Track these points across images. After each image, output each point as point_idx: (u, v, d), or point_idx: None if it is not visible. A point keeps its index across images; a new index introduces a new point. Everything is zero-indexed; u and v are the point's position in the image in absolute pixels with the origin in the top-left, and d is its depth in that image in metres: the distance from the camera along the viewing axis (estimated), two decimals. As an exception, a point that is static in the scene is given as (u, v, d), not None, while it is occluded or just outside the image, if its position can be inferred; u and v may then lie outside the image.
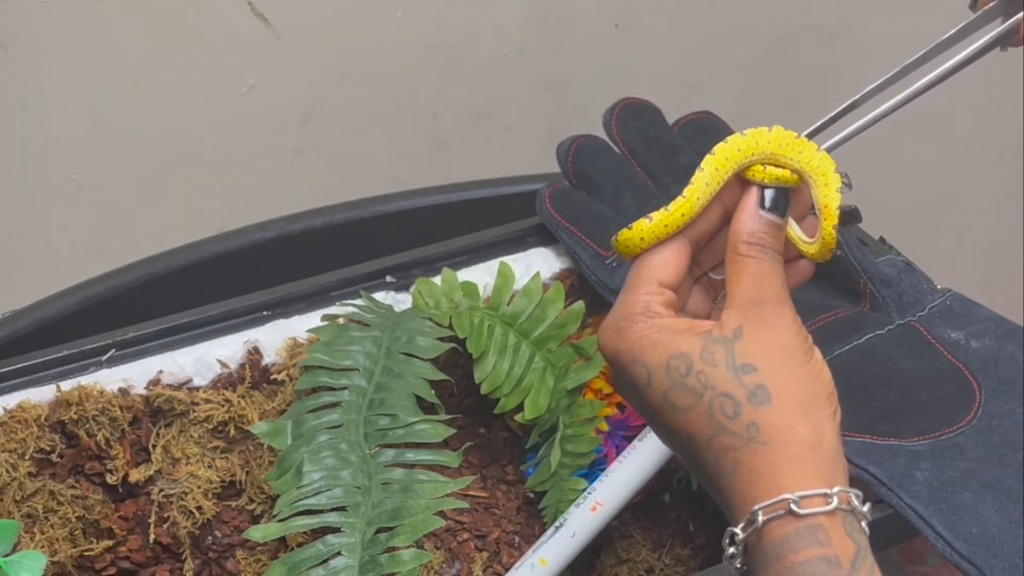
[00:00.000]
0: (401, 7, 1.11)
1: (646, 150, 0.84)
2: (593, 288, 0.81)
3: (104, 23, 1.00)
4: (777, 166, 0.60)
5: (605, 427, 0.80)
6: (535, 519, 0.80)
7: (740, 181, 0.60)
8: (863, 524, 0.55)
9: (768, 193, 0.59)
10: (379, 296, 0.80)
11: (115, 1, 0.99)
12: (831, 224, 0.58)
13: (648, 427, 0.79)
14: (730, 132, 0.86)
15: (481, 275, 0.82)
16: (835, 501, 0.53)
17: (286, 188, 1.14)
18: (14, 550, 0.69)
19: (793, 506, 0.53)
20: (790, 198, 0.60)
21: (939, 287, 0.79)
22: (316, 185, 1.13)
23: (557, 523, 0.77)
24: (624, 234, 0.59)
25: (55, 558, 0.72)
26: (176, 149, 1.07)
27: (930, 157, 1.53)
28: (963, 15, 0.66)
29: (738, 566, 0.55)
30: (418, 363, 0.73)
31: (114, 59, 1.01)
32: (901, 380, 0.73)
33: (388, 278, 0.82)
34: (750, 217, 0.59)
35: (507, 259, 0.83)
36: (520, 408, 0.77)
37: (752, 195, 0.59)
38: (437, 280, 0.80)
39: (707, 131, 0.86)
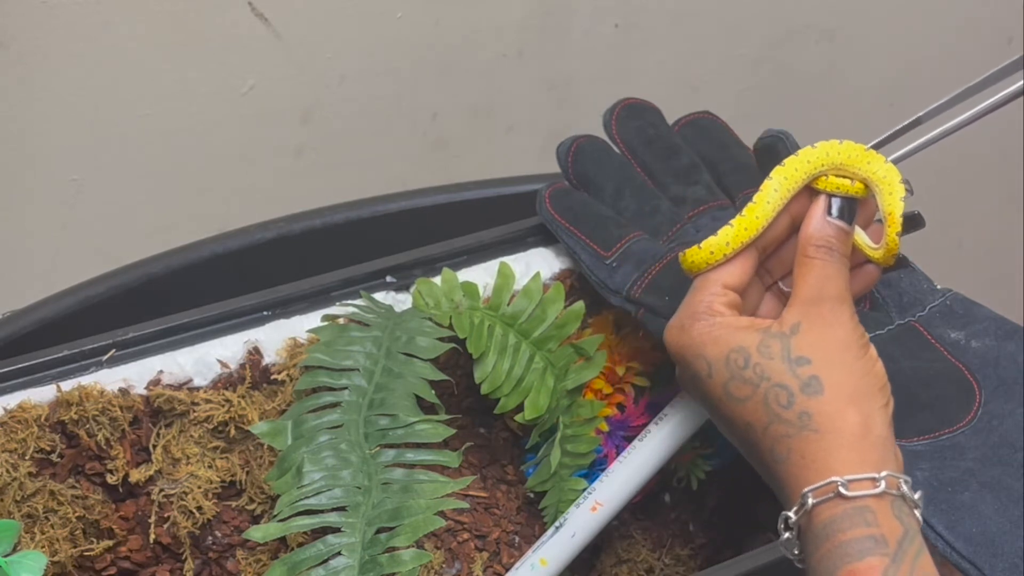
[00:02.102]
0: (401, 7, 1.11)
1: (646, 150, 0.84)
2: (593, 288, 0.81)
3: (104, 23, 1.00)
4: (845, 177, 0.64)
5: (605, 427, 0.80)
6: (535, 519, 0.81)
7: (809, 193, 0.65)
8: (915, 511, 0.58)
9: (835, 202, 0.64)
10: (379, 296, 0.80)
11: (115, 1, 0.99)
12: (895, 231, 0.63)
13: (648, 427, 0.79)
14: (730, 132, 0.87)
15: (481, 275, 0.82)
16: (883, 485, 0.56)
17: (286, 188, 1.14)
18: (14, 550, 0.69)
19: (841, 488, 0.56)
20: (856, 208, 0.64)
21: (939, 287, 0.79)
22: (316, 185, 1.13)
23: (557, 523, 0.77)
24: (711, 242, 0.63)
25: (55, 558, 0.72)
26: (176, 149, 1.07)
27: (930, 157, 1.53)
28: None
29: (796, 552, 0.58)
30: (418, 363, 0.73)
31: (114, 59, 1.01)
32: (901, 380, 0.73)
33: (388, 278, 0.82)
34: (818, 222, 0.63)
35: (507, 259, 0.83)
36: (520, 408, 0.77)
37: (820, 203, 0.64)
38: (437, 280, 0.80)
39: (707, 131, 0.86)
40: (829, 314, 0.61)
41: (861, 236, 0.66)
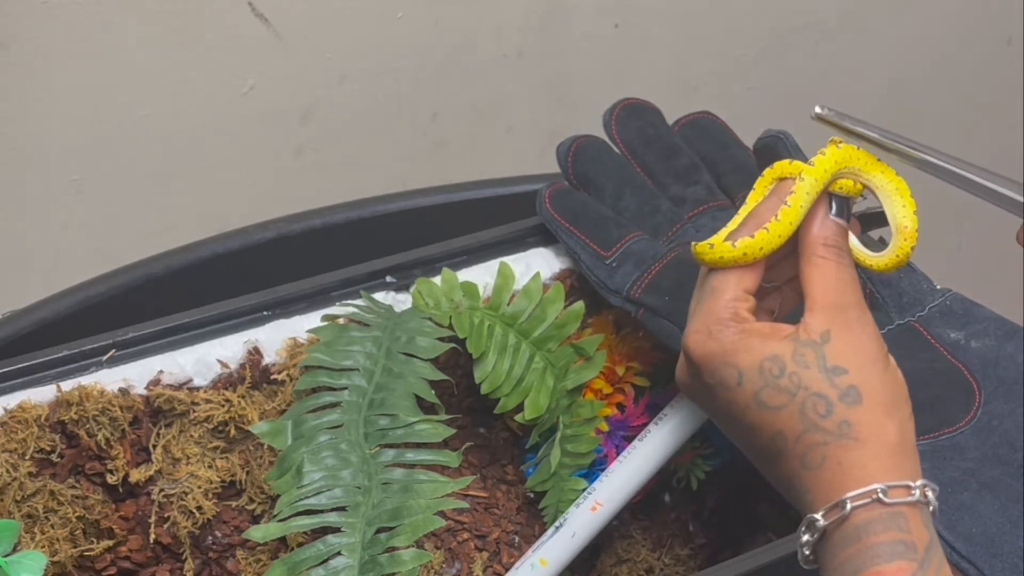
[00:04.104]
0: (401, 7, 1.11)
1: (646, 150, 0.84)
2: (593, 288, 0.81)
3: (104, 23, 1.00)
4: (849, 178, 0.64)
5: (605, 427, 0.80)
6: (535, 519, 0.81)
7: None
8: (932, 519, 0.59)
9: (835, 201, 0.64)
10: (379, 296, 0.80)
11: (115, 1, 0.99)
12: (911, 245, 0.64)
13: (648, 427, 0.79)
14: (730, 132, 0.87)
15: (481, 275, 0.82)
16: (917, 493, 0.58)
17: (286, 188, 1.14)
18: (15, 550, 0.69)
19: (881, 495, 0.57)
20: (851, 207, 0.64)
21: (939, 287, 0.79)
22: (316, 185, 1.13)
23: (557, 523, 0.77)
24: (747, 243, 0.62)
25: (55, 558, 0.72)
26: (176, 149, 1.08)
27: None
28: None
29: (807, 553, 0.59)
30: (418, 363, 0.73)
31: (114, 59, 1.01)
32: (901, 380, 0.74)
33: (388, 278, 0.82)
34: (823, 221, 0.63)
35: (507, 259, 0.83)
36: (520, 408, 0.77)
37: (823, 202, 0.63)
38: (437, 280, 0.80)
39: (707, 131, 0.86)
40: (856, 323, 0.61)
41: (853, 241, 0.66)
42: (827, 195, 0.64)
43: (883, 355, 0.61)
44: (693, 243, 0.63)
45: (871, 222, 0.73)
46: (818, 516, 0.58)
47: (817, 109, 0.64)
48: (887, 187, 0.64)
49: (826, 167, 0.63)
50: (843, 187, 0.64)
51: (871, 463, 0.58)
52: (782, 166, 0.65)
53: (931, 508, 0.58)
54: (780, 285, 0.66)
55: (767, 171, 0.65)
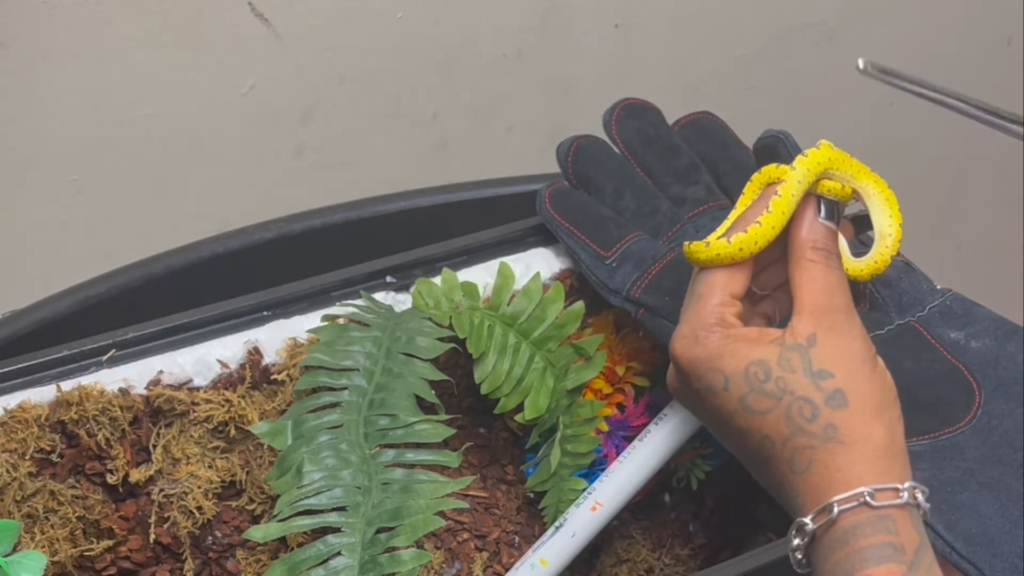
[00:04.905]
0: (401, 7, 1.11)
1: (646, 150, 0.84)
2: (593, 288, 0.81)
3: (104, 23, 1.00)
4: (848, 185, 0.64)
5: (605, 427, 0.81)
6: (535, 519, 0.81)
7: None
8: (923, 520, 0.59)
9: (824, 204, 0.63)
10: (379, 296, 0.80)
11: (115, 1, 0.99)
12: (891, 253, 0.64)
13: (648, 427, 0.79)
14: (730, 132, 0.87)
15: (481, 275, 0.82)
16: (905, 496, 0.58)
17: (286, 188, 1.14)
18: (14, 550, 0.69)
19: (868, 498, 0.57)
20: (840, 211, 0.64)
21: (939, 287, 0.79)
22: (316, 185, 1.13)
23: (557, 523, 0.77)
24: (741, 238, 0.62)
25: (55, 558, 0.72)
26: (176, 149, 1.08)
27: (930, 158, 1.53)
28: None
29: (799, 557, 0.59)
30: (418, 363, 0.73)
31: (114, 59, 1.01)
32: (901, 380, 0.73)
33: (388, 278, 0.82)
34: (812, 224, 0.63)
35: (507, 259, 0.83)
36: (520, 408, 0.77)
37: (812, 205, 0.63)
38: (437, 280, 0.80)
39: (707, 131, 0.86)
40: (843, 326, 0.61)
41: (840, 244, 0.66)
42: (816, 199, 0.63)
43: (871, 357, 0.61)
44: (686, 243, 0.63)
45: (867, 225, 0.73)
46: (807, 520, 0.58)
47: (860, 63, 0.64)
48: (877, 196, 0.64)
49: (818, 159, 0.63)
50: (832, 190, 0.63)
51: (858, 466, 0.58)
52: (770, 171, 0.64)
53: (921, 510, 0.58)
54: (772, 292, 0.66)
55: (755, 176, 0.65)
